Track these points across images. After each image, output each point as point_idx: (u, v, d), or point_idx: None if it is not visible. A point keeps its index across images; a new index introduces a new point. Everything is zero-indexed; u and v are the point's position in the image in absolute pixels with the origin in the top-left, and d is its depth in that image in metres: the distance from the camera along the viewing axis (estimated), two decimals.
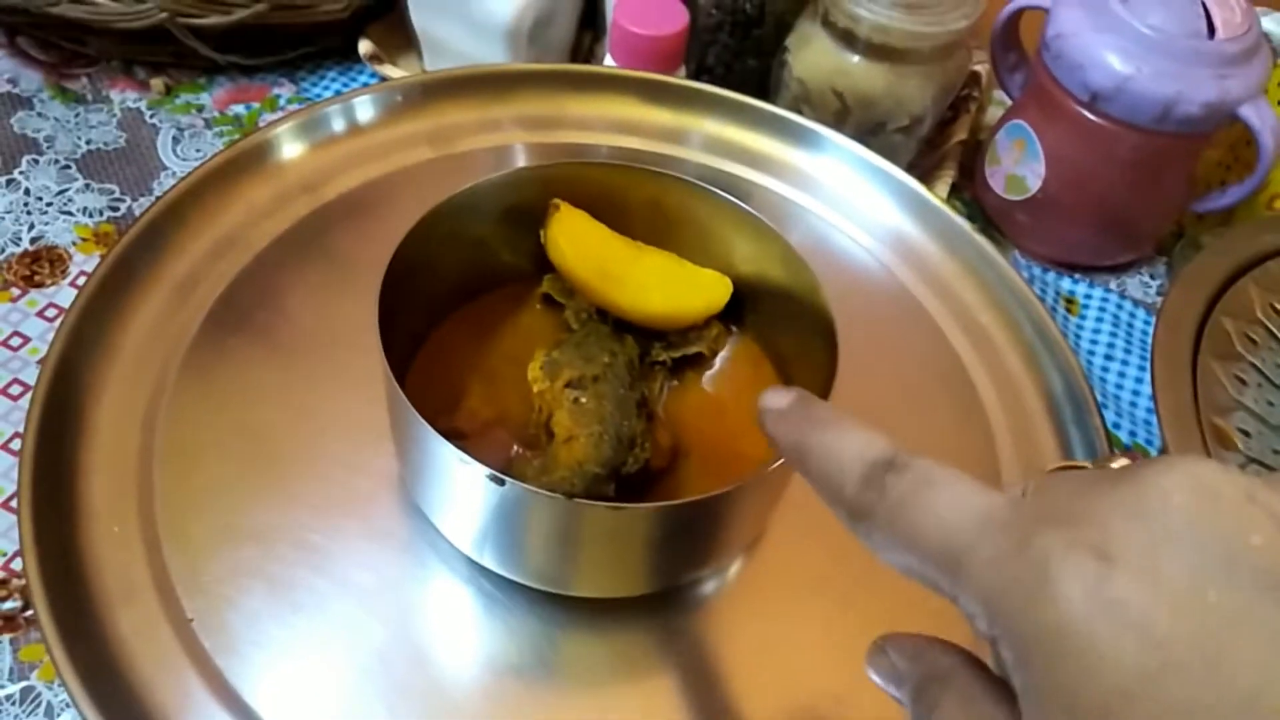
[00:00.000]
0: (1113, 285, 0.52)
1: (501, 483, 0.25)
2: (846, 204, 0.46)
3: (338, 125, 0.44)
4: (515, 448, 0.32)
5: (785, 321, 0.34)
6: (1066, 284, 0.51)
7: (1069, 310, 0.50)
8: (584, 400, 0.31)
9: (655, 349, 0.34)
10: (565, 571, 0.30)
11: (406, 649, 0.30)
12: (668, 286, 0.35)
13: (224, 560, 0.31)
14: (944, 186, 0.52)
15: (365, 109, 0.44)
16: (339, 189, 0.42)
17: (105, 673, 0.28)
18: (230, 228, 0.40)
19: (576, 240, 0.34)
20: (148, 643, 0.29)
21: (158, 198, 0.39)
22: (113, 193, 0.47)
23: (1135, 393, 0.47)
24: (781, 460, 0.27)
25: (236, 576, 0.31)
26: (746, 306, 0.36)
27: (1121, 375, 0.47)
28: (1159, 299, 0.52)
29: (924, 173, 0.53)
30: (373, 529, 0.33)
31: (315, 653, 0.30)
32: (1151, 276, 0.53)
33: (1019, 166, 0.50)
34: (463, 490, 0.27)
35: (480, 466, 0.25)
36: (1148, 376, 0.47)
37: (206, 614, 0.30)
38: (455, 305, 0.35)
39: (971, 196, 0.55)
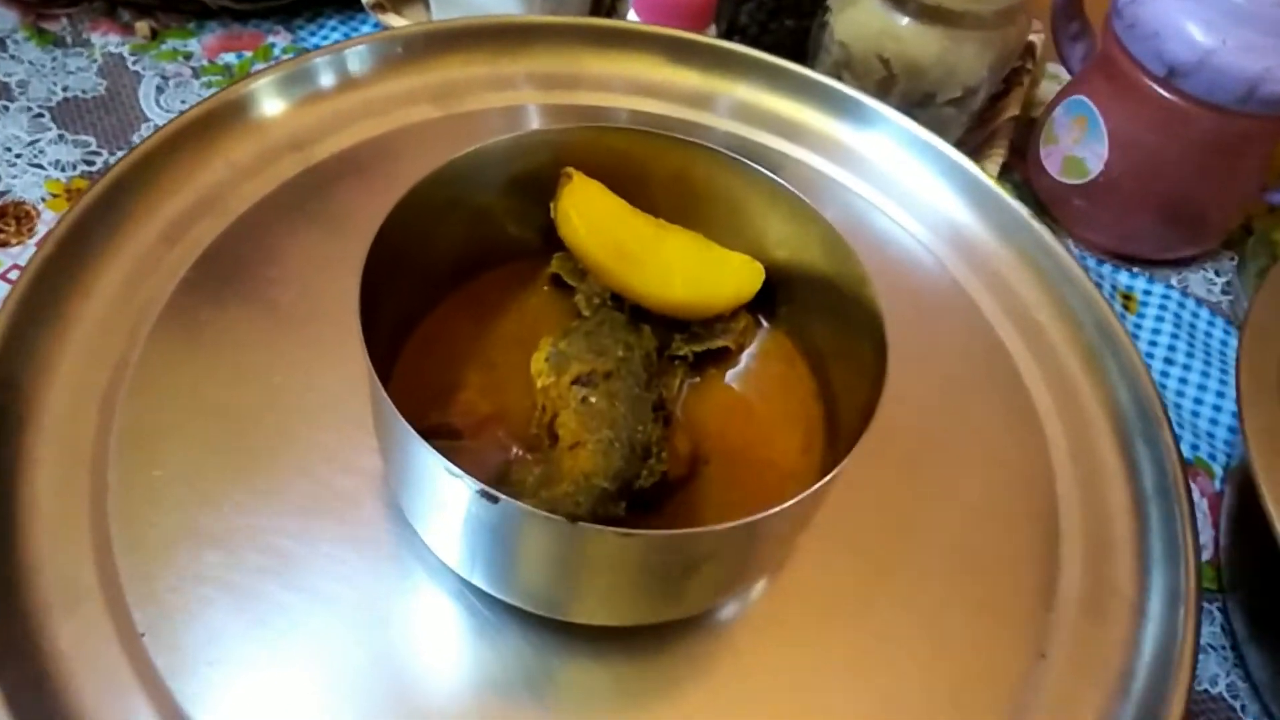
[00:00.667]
0: (1174, 281, 0.48)
1: (495, 500, 0.22)
2: (890, 182, 0.42)
3: (331, 78, 0.40)
4: (515, 449, 0.28)
5: (823, 314, 0.31)
6: (1124, 278, 0.47)
7: (1126, 307, 0.46)
8: (594, 400, 0.27)
9: (676, 342, 0.31)
10: (565, 597, 0.26)
11: (385, 673, 0.27)
12: (692, 271, 0.31)
13: (182, 566, 0.28)
14: (994, 166, 0.48)
15: (362, 60, 0.40)
16: (331, 148, 0.39)
17: (40, 692, 0.25)
18: (208, 187, 0.36)
19: (590, 215, 0.31)
20: (91, 658, 0.26)
21: (127, 151, 0.35)
22: (89, 145, 0.44)
23: (1198, 401, 0.43)
24: (819, 485, 0.23)
25: (196, 585, 0.27)
26: (779, 296, 0.32)
27: (1183, 381, 0.43)
28: (1224, 298, 0.48)
29: (972, 150, 0.48)
30: (353, 535, 0.29)
31: (282, 675, 0.27)
32: (1217, 273, 0.49)
33: (1079, 147, 0.46)
34: (451, 503, 0.24)
35: (470, 480, 0.22)
36: (1211, 383, 0.43)
37: (160, 627, 0.27)
38: (453, 284, 0.32)
39: (1022, 178, 0.51)
